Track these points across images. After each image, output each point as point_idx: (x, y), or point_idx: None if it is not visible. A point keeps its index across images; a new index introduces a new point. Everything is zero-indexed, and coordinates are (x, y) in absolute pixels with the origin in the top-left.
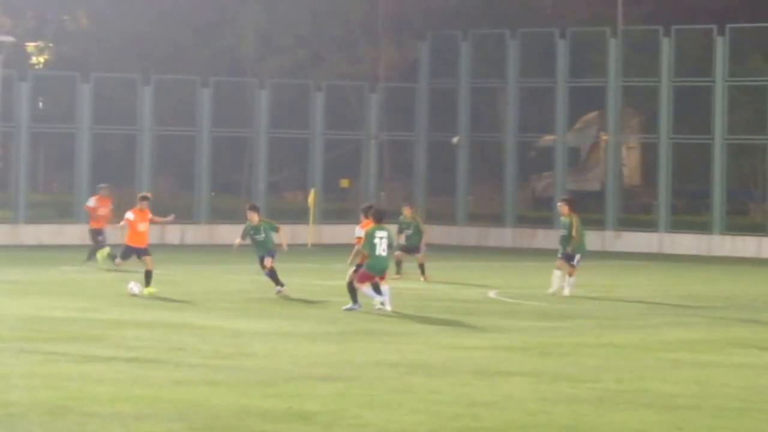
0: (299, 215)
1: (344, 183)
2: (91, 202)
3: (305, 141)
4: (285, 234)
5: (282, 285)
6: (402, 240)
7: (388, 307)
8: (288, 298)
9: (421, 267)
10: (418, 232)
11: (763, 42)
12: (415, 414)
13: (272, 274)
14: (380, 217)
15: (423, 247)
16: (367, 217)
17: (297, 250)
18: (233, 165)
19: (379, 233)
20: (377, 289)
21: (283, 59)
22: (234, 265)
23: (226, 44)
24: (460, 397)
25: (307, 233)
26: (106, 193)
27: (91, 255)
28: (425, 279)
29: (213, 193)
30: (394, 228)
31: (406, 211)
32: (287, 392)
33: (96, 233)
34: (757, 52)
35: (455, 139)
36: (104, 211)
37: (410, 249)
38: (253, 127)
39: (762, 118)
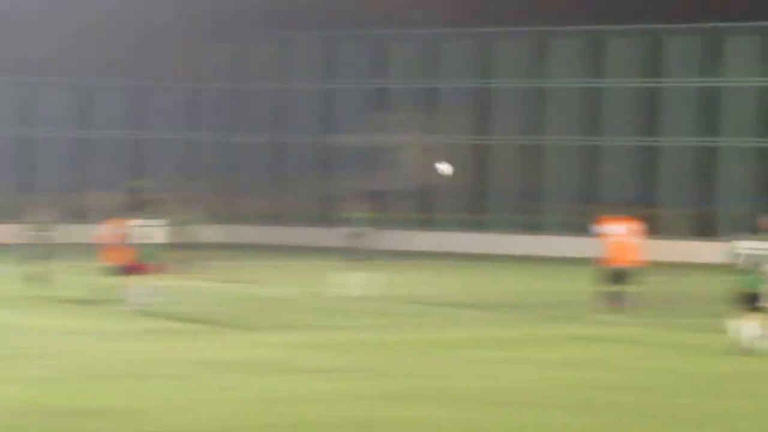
0: None
1: None
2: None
3: None
4: None
5: None
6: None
7: (147, 302)
8: None
9: (183, 263)
10: (186, 227)
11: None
12: (212, 410)
13: None
14: (140, 207)
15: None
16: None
17: None
18: None
19: (138, 222)
20: (145, 293)
21: None
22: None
23: None
24: (259, 394)
25: None
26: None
27: None
28: (183, 276)
29: None
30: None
31: (181, 206)
32: (86, 389)
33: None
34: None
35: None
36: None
37: (179, 245)
38: None
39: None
